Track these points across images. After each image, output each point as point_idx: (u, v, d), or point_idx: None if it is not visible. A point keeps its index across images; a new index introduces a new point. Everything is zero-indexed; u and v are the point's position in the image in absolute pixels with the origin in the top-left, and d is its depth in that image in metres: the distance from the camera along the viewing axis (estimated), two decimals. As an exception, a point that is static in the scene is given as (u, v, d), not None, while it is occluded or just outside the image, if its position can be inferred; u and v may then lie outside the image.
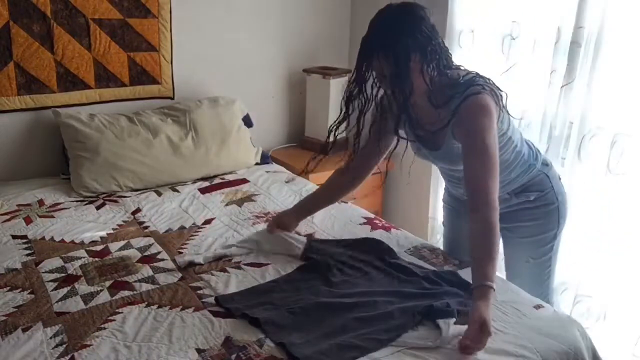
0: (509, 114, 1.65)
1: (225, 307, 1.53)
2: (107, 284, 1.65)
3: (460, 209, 1.90)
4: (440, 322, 1.44)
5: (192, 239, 1.97)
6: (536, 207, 1.75)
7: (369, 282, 1.65)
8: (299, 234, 1.95)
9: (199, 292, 1.62)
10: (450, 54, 1.62)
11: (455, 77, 1.58)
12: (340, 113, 1.67)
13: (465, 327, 1.37)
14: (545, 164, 1.79)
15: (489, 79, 1.60)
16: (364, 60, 1.55)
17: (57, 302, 1.55)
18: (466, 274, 1.73)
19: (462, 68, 1.63)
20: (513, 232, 1.80)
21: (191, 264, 1.77)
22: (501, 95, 1.59)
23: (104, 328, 1.43)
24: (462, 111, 1.53)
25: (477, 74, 1.61)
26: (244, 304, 1.53)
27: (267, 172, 2.70)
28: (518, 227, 1.79)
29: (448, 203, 2.00)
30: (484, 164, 1.49)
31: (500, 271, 1.90)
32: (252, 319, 1.46)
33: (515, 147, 1.69)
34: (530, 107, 2.27)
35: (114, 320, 1.47)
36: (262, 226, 2.03)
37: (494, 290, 1.39)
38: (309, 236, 1.96)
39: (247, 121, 2.85)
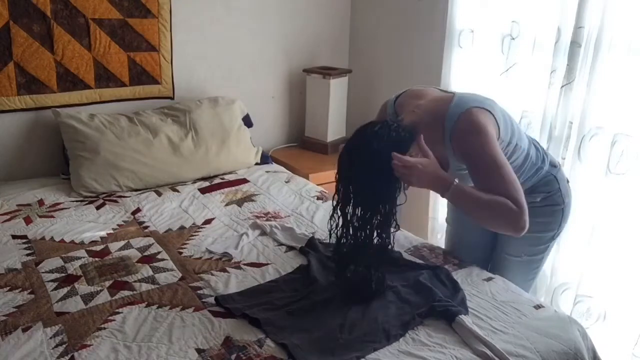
0: (510, 118, 1.64)
1: (225, 307, 1.53)
2: (107, 284, 1.65)
3: None
4: (456, 322, 1.44)
5: (192, 239, 1.97)
6: (542, 207, 1.74)
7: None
8: (304, 234, 1.98)
9: (199, 292, 1.62)
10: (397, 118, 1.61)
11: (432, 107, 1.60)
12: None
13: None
14: (554, 165, 1.78)
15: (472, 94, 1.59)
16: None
17: (57, 302, 1.55)
18: (466, 274, 1.74)
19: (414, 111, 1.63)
20: None
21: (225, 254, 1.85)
22: (491, 106, 1.57)
23: (104, 328, 1.43)
24: (456, 134, 1.54)
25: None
26: (243, 304, 1.53)
27: (267, 172, 2.70)
28: None
29: None
30: (499, 180, 1.48)
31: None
32: (252, 319, 1.46)
33: (523, 152, 1.67)
34: (530, 107, 2.27)
35: (114, 320, 1.47)
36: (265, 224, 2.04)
37: (452, 188, 1.49)
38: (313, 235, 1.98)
39: (247, 121, 2.85)
